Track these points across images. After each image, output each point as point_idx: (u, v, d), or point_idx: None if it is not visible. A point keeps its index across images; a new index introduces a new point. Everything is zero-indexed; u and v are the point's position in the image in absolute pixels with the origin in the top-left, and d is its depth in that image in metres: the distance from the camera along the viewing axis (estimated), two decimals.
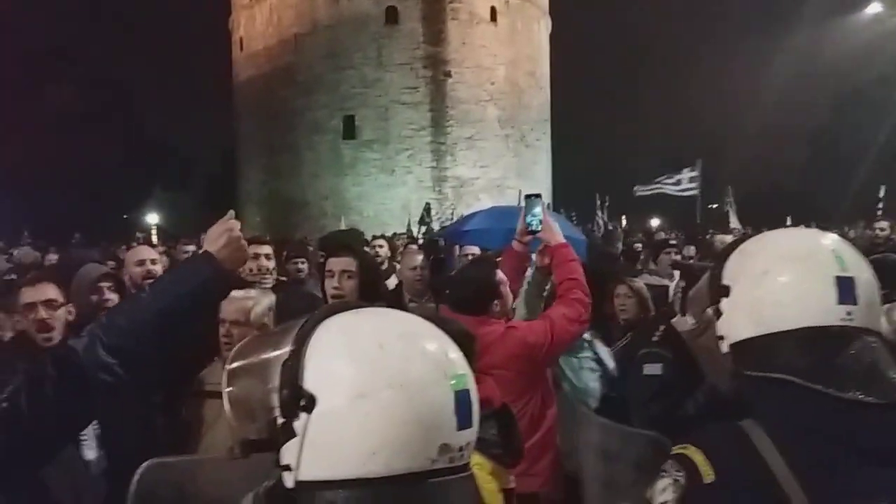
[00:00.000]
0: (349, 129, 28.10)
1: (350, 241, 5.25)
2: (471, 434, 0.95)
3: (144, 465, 1.28)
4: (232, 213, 1.87)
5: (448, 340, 1.00)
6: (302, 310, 3.59)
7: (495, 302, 3.20)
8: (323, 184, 28.44)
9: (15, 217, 19.53)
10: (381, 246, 7.76)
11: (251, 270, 4.79)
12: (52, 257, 9.63)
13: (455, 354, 0.98)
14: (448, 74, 28.12)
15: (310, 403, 0.91)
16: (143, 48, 39.04)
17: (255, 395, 0.99)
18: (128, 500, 1.21)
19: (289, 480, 0.92)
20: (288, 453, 0.93)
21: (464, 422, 0.93)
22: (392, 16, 27.71)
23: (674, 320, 2.89)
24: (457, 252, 7.08)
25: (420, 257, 5.21)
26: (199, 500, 1.33)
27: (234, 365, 1.02)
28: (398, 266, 6.24)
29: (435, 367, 0.93)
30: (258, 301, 3.32)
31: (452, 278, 3.91)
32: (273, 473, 0.98)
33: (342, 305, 1.02)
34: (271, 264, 4.92)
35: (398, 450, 0.88)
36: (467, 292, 3.28)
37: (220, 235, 1.77)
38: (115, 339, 1.55)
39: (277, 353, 0.98)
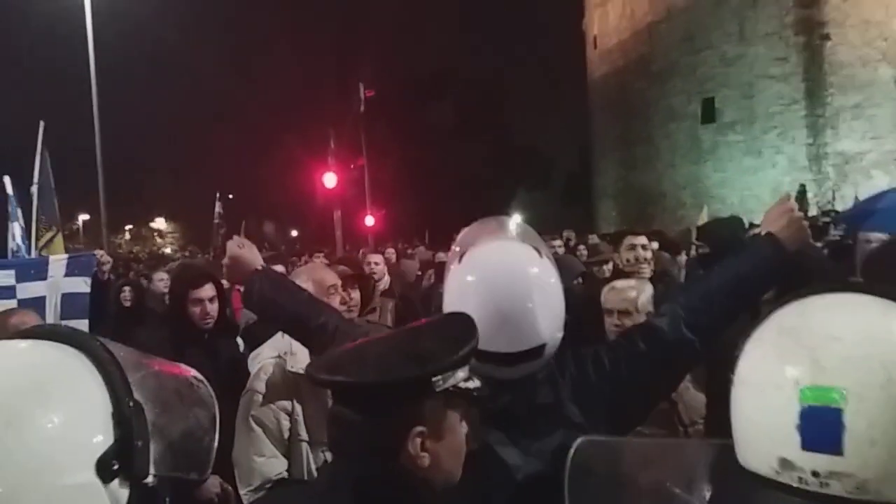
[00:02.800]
0: (708, 113, 26.56)
1: (735, 230, 4.90)
2: (839, 464, 0.77)
3: (578, 440, 1.37)
4: (788, 193, 2.04)
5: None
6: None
7: None
8: (680, 173, 27.39)
9: (412, 222, 22.69)
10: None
11: (628, 260, 4.82)
12: (441, 255, 10.94)
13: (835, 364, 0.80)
14: (826, 37, 24.72)
15: None
16: (509, 61, 42.29)
17: None
18: (565, 473, 1.28)
19: None
20: None
21: (814, 443, 0.79)
22: None
23: None
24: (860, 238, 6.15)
25: None
26: (630, 480, 1.37)
27: None
28: None
29: (780, 369, 0.84)
30: (641, 290, 3.34)
31: (865, 264, 3.42)
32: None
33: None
34: (648, 254, 4.88)
35: (747, 445, 0.87)
36: (877, 277, 2.87)
37: (780, 216, 1.84)
38: (693, 316, 1.76)
39: None
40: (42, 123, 6.97)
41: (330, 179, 15.59)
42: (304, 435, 2.56)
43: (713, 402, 2.85)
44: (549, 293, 1.65)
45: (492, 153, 38.45)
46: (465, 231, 1.89)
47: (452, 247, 1.86)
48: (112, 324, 5.51)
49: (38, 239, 6.49)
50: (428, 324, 1.37)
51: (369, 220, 22.45)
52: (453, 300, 1.67)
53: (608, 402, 1.68)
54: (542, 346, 1.62)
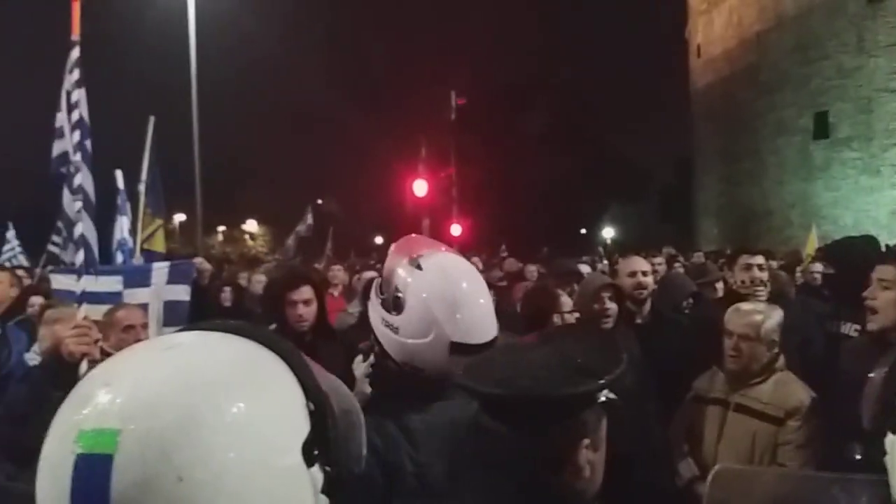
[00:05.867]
0: (821, 128, 25.01)
1: (867, 251, 4.39)
2: None
3: (716, 468, 1.40)
4: None
5: None
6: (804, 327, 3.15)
7: None
8: (788, 190, 25.91)
9: (498, 232, 22.45)
10: None
11: (742, 282, 4.41)
12: (531, 268, 10.59)
13: None
14: None
15: None
16: (604, 70, 41.49)
17: None
18: (704, 499, 1.34)
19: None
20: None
21: None
22: None
23: None
24: None
25: None
26: None
27: None
28: None
29: None
30: (768, 315, 3.06)
31: None
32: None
33: None
34: (765, 275, 4.45)
35: None
36: None
37: None
38: None
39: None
40: (152, 119, 7.08)
41: (420, 187, 15.57)
42: None
43: None
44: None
45: (583, 164, 37.58)
46: (401, 243, 2.06)
47: (394, 256, 1.99)
48: None
49: (142, 230, 6.64)
50: (566, 335, 1.45)
51: (456, 230, 22.31)
52: (426, 300, 1.84)
53: None
54: (496, 339, 1.88)
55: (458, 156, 22.04)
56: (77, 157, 3.19)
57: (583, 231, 37.08)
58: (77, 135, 3.20)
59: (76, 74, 3.29)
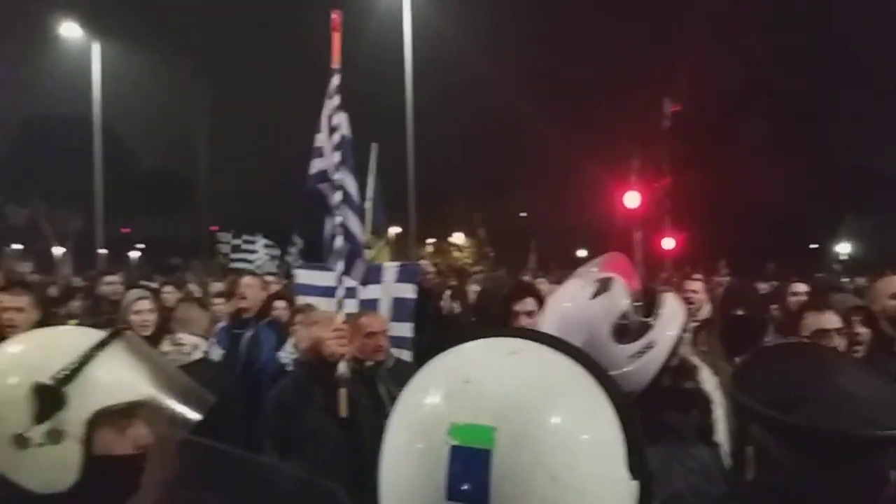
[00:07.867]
0: None
1: None
2: None
3: None
4: None
5: None
6: None
7: None
8: None
9: (712, 246, 21.02)
10: None
11: None
12: (763, 286, 9.88)
13: None
14: None
15: None
16: (836, 69, 37.32)
17: None
18: None
19: None
20: None
21: None
22: None
23: None
24: None
25: None
26: None
27: None
28: None
29: None
30: None
31: None
32: None
33: None
34: None
35: None
36: None
37: None
38: None
39: None
40: (374, 146, 7.66)
41: (632, 199, 15.03)
42: None
43: None
44: (569, 322, 1.86)
45: (811, 173, 33.92)
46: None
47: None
48: (434, 327, 6.14)
49: (369, 248, 7.21)
50: (838, 360, 1.42)
51: (668, 243, 21.23)
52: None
53: None
54: None
55: (672, 165, 21.00)
56: (339, 175, 3.53)
57: (813, 246, 33.52)
58: (339, 155, 3.54)
59: (336, 100, 3.63)
